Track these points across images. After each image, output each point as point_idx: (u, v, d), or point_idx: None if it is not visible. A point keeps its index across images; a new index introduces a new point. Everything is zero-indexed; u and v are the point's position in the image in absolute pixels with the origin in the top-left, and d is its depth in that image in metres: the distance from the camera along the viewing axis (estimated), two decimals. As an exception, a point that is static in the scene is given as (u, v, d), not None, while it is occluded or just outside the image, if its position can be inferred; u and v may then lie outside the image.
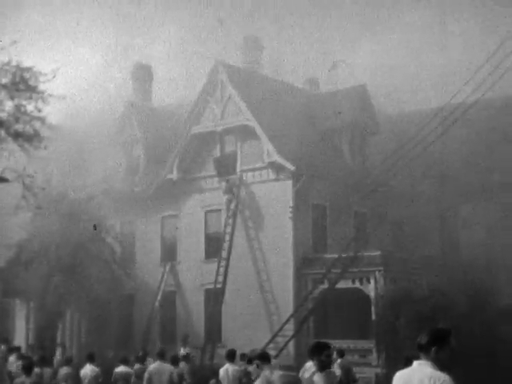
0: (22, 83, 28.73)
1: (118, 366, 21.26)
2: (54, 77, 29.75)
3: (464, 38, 56.57)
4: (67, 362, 21.66)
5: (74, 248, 36.08)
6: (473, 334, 25.42)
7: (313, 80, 46.33)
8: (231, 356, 19.00)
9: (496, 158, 38.89)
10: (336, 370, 21.89)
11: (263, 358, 10.32)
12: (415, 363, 6.58)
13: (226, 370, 18.67)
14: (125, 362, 21.02)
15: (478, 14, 56.25)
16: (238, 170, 37.28)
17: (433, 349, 6.51)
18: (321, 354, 10.01)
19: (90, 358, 21.15)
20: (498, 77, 26.80)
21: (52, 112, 30.85)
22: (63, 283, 35.55)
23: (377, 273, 32.30)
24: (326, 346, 10.14)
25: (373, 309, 31.52)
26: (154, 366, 19.83)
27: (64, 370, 20.74)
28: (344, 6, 66.26)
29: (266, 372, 9.90)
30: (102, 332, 39.48)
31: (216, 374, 19.60)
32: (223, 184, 37.13)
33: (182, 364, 21.67)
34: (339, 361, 22.30)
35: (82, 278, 35.85)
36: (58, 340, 37.96)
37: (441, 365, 6.43)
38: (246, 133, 37.11)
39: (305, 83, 46.31)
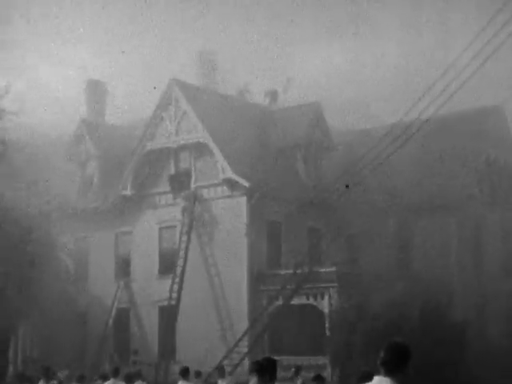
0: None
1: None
2: (6, 93, 29.58)
3: (419, 53, 57.34)
4: (28, 379, 21.26)
5: (25, 264, 35.65)
6: (425, 348, 25.60)
7: (272, 93, 45.95)
8: (185, 373, 18.93)
9: (447, 174, 39.36)
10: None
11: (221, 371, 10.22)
12: (376, 378, 6.60)
13: (180, 387, 18.59)
14: (80, 380, 20.77)
15: (436, 29, 57.05)
16: (192, 186, 37.26)
17: (395, 364, 6.55)
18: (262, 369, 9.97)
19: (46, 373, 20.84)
20: (448, 96, 27.11)
21: (5, 128, 30.61)
22: (15, 299, 35.10)
23: (331, 289, 32.46)
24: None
25: (327, 325, 31.64)
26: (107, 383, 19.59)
27: None
28: (298, 23, 66.79)
29: None
30: (55, 349, 39.04)
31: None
32: (182, 194, 37.06)
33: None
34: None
35: (33, 294, 35.44)
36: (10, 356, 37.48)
37: (402, 380, 6.48)
38: (200, 149, 37.12)
39: (264, 96, 45.79)
